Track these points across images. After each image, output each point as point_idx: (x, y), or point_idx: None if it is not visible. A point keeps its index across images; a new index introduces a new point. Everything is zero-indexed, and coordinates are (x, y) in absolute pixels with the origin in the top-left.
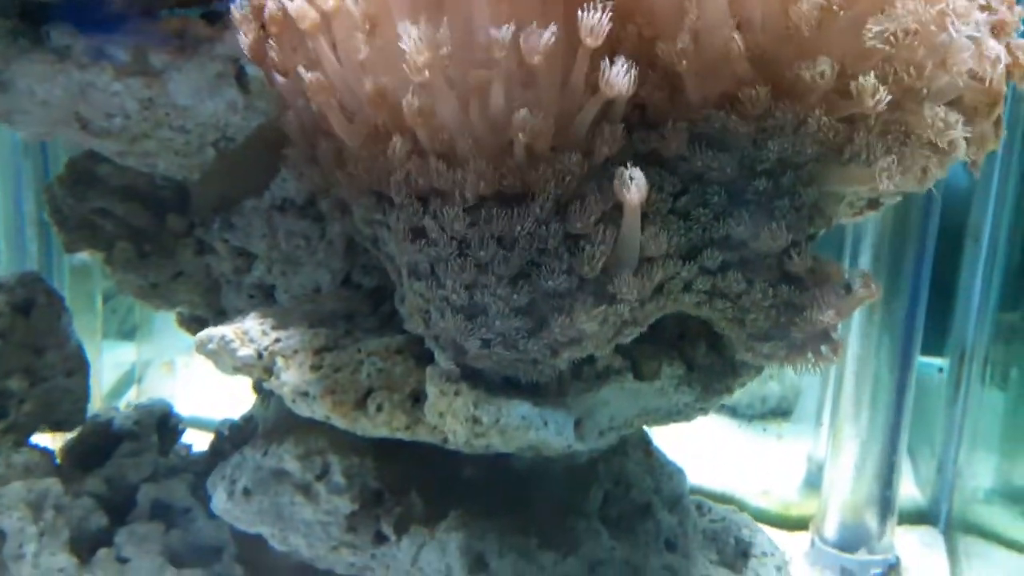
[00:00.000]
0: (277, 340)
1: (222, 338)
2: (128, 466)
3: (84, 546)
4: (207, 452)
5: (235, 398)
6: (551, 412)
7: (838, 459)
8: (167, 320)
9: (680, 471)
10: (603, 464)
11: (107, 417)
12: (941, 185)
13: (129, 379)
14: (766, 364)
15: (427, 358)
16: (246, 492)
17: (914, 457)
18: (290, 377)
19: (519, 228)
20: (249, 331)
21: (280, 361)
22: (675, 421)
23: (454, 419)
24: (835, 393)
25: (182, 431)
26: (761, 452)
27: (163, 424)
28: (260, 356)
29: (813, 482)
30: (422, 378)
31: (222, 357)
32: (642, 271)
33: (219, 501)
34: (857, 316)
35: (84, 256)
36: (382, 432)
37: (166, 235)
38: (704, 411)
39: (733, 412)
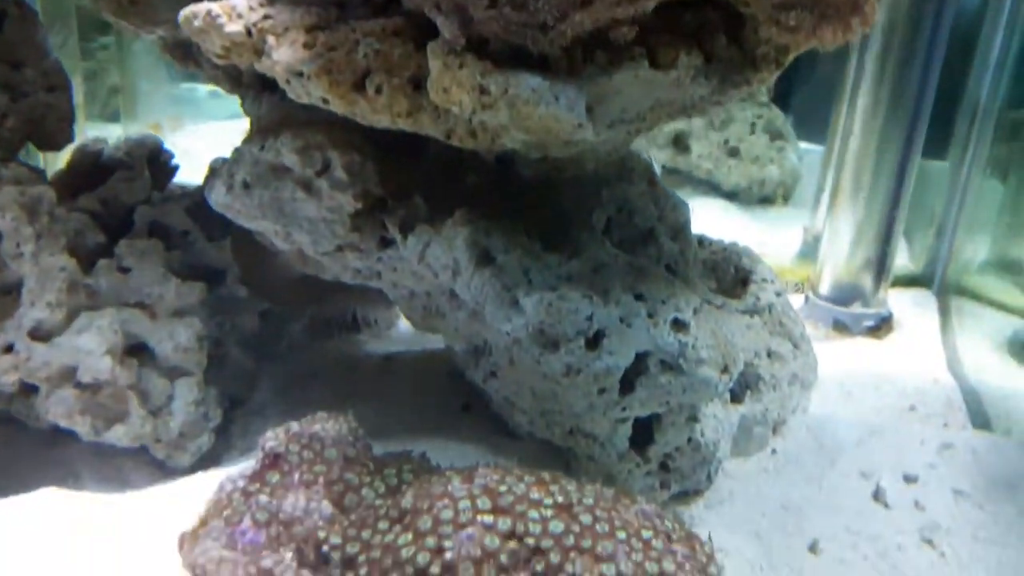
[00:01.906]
0: (267, 17)
1: (208, 13)
2: (122, 189)
3: (83, 259)
4: (202, 185)
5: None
6: (562, 87)
7: (836, 228)
8: (150, 101)
9: (683, 203)
10: (607, 190)
11: (96, 148)
12: None
13: None
14: (791, 39)
15: (427, 40)
16: (245, 185)
17: (911, 240)
18: (282, 56)
19: None
20: (236, 6)
21: (271, 39)
22: (689, 115)
23: (460, 89)
24: (836, 173)
25: (175, 168)
26: (759, 228)
27: (155, 158)
28: (249, 33)
29: (808, 253)
30: (423, 63)
31: (209, 35)
32: None
33: (218, 195)
34: (862, 104)
35: None
36: (383, 119)
37: None
38: (719, 104)
39: (733, 196)
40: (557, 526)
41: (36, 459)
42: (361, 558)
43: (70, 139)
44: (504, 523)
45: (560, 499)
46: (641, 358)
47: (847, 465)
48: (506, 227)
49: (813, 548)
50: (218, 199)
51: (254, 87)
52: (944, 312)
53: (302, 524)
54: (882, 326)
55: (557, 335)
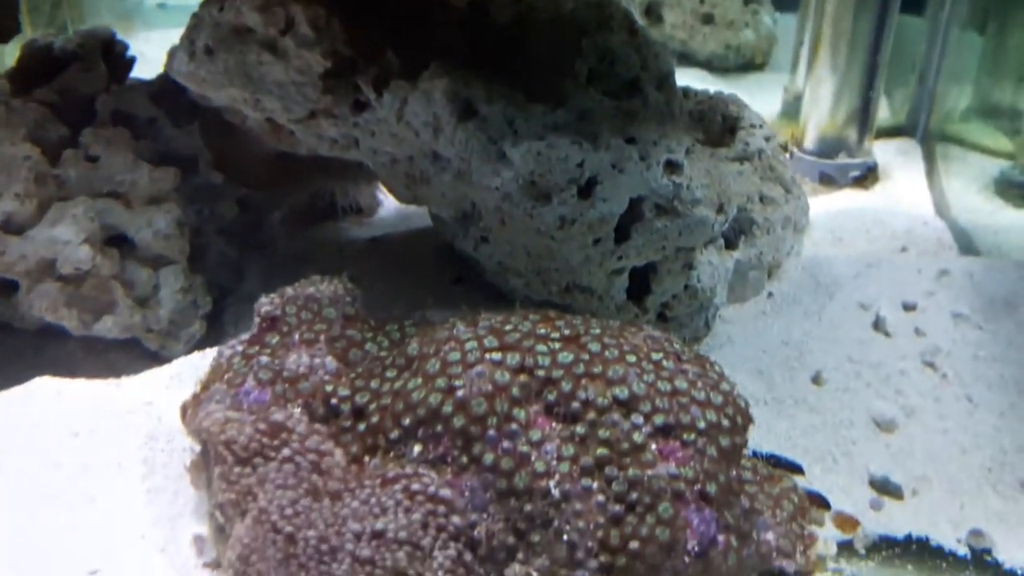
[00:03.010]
0: None
1: None
2: (79, 80)
3: (47, 151)
4: (161, 75)
5: None
6: None
7: (817, 82)
8: (98, 13)
9: (666, 50)
10: (587, 39)
11: (46, 41)
12: None
13: None
14: None
15: None
16: (208, 51)
17: (891, 94)
18: None
19: None
20: None
21: None
22: None
23: None
24: (815, 28)
25: (132, 60)
26: (738, 93)
27: (109, 49)
28: None
29: (790, 112)
30: None
31: None
32: None
33: (180, 64)
34: None
35: None
36: None
37: None
38: None
39: (710, 65)
40: (566, 357)
41: (25, 360)
42: (372, 407)
43: (16, 29)
44: (513, 358)
45: (567, 332)
46: (635, 204)
47: (845, 298)
48: (486, 78)
49: (816, 379)
50: (180, 68)
51: None
52: (929, 159)
53: (307, 380)
54: (868, 176)
55: (548, 185)
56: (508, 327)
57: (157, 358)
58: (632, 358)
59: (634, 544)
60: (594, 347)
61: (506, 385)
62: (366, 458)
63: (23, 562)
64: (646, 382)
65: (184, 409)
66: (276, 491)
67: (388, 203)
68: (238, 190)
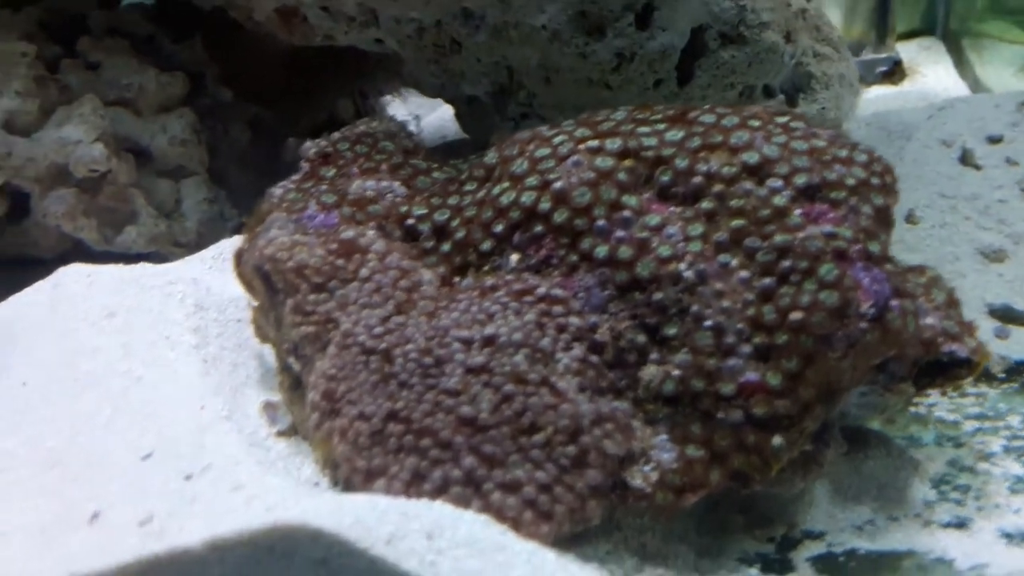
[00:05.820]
0: None
1: None
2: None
3: (43, 61)
4: None
5: None
6: None
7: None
8: None
9: None
10: None
11: None
12: None
13: None
14: None
15: None
16: None
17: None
18: None
19: None
20: None
21: None
22: None
23: None
24: None
25: None
26: None
27: None
28: None
29: None
30: None
31: None
32: None
33: None
34: None
35: None
36: None
37: None
38: None
39: None
40: (675, 134)
41: None
42: (454, 223)
43: None
44: (613, 143)
45: (670, 112)
46: (697, 34)
47: (924, 138)
48: None
49: (910, 218)
50: None
51: None
52: (955, 52)
53: (378, 203)
54: (895, 70)
55: (601, 15)
56: (599, 117)
57: None
58: (755, 123)
59: (796, 315)
60: (707, 119)
61: (609, 170)
62: (456, 279)
63: (66, 460)
64: (778, 143)
65: (239, 254)
66: (361, 311)
67: None
68: (249, 109)
